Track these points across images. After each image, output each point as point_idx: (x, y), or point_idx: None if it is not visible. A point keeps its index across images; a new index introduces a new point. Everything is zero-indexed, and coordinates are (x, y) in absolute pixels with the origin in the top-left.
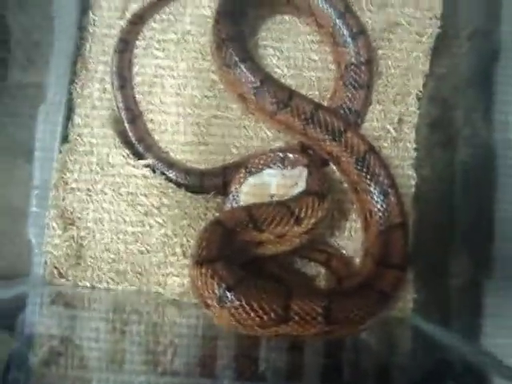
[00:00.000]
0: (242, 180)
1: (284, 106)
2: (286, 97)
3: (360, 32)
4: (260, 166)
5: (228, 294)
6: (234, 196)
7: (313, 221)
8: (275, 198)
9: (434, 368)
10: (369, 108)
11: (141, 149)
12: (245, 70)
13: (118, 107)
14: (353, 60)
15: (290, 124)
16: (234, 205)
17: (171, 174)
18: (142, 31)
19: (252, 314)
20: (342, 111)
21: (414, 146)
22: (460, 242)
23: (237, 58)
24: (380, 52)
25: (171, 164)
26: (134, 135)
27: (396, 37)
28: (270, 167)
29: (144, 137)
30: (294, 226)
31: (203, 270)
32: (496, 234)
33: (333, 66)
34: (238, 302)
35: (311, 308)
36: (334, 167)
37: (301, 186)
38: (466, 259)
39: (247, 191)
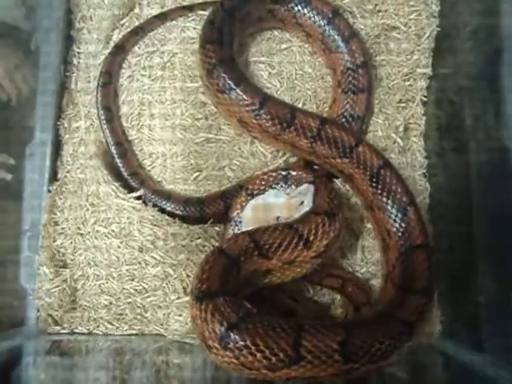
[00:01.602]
0: (243, 204)
1: (288, 125)
2: (289, 115)
3: (352, 35)
4: (262, 188)
5: (231, 334)
6: (235, 222)
7: (324, 243)
8: (281, 221)
9: None
10: (371, 116)
11: (134, 183)
12: (241, 93)
13: (107, 142)
14: (348, 64)
15: (296, 143)
16: (237, 231)
17: (169, 207)
18: (125, 60)
19: (258, 356)
20: (344, 119)
21: (424, 153)
22: (482, 253)
23: (231, 82)
24: (378, 58)
25: (168, 196)
26: (126, 170)
27: (393, 40)
28: (272, 187)
29: (136, 171)
30: (303, 250)
31: (203, 307)
32: None
33: (328, 77)
34: (242, 343)
35: (326, 344)
36: (347, 185)
37: (308, 205)
38: (490, 273)
39: (250, 215)
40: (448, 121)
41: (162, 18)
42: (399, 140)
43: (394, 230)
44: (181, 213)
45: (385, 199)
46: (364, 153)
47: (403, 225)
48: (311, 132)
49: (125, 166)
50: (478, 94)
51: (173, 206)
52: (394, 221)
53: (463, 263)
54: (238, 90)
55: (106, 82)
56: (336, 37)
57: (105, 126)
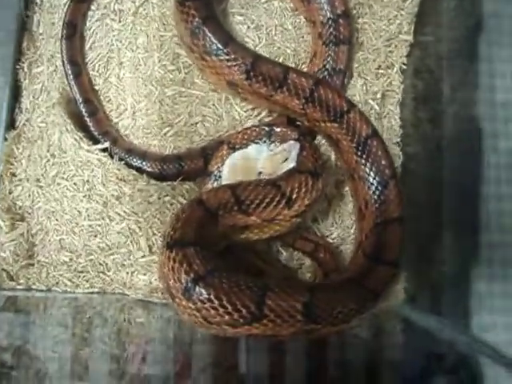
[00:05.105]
0: (224, 158)
1: (280, 85)
2: (281, 75)
3: None
4: (244, 141)
5: (196, 286)
6: (215, 176)
7: (306, 202)
8: (263, 177)
9: (426, 362)
10: (351, 77)
11: (106, 143)
12: (230, 54)
13: (75, 99)
14: (329, 14)
15: (288, 104)
16: (216, 185)
17: (145, 166)
18: (93, 2)
19: (220, 310)
20: (325, 73)
21: (399, 122)
22: (449, 225)
23: (218, 43)
24: (360, 21)
25: (143, 155)
26: (97, 129)
27: (377, 3)
28: (255, 142)
29: (108, 129)
30: (284, 209)
31: (173, 255)
32: (483, 215)
33: (308, 36)
34: (205, 296)
35: (289, 304)
36: (325, 146)
37: (291, 163)
38: (455, 243)
39: (231, 169)
40: (425, 90)
41: None
42: (376, 107)
43: (373, 201)
44: (158, 171)
45: (367, 169)
46: (354, 119)
47: (382, 197)
48: (304, 93)
49: (95, 126)
50: (457, 64)
51: (149, 164)
52: (374, 192)
53: (430, 233)
54: (226, 51)
55: (71, 33)
56: None
57: (72, 82)
